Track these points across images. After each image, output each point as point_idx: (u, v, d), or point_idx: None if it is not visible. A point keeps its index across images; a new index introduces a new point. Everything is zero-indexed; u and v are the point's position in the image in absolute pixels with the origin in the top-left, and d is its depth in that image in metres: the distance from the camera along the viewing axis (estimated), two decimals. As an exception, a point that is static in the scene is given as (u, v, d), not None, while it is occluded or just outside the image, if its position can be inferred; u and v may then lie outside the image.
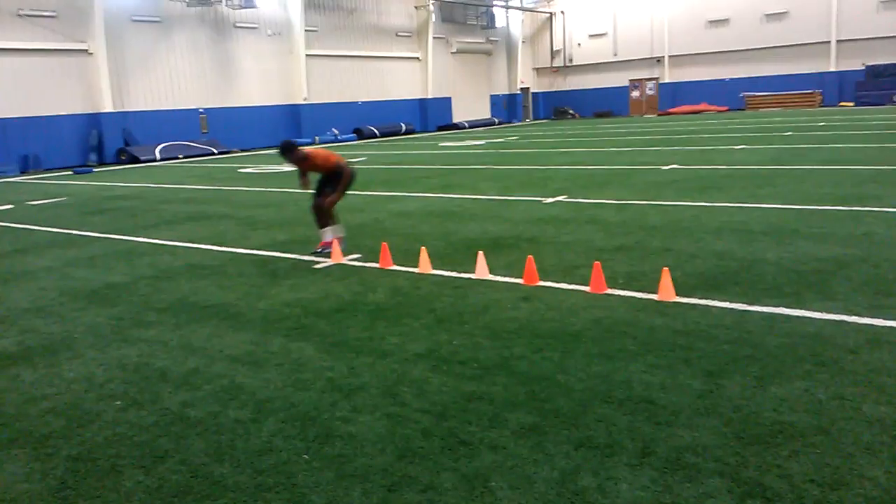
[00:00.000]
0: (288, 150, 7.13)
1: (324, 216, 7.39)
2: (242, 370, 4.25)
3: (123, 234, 9.48)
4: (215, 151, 26.77)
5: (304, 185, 7.51)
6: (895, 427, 3.11)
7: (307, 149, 7.38)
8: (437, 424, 3.38)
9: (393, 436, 3.29)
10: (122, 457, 3.25)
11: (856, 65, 35.33)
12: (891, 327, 4.32)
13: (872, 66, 34.58)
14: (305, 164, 7.29)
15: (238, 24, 28.98)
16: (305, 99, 31.23)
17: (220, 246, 8.27)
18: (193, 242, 8.58)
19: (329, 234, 7.40)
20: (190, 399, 3.86)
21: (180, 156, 25.62)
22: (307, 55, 31.00)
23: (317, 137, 31.24)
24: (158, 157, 24.98)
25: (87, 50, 24.01)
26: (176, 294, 6.15)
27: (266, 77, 30.30)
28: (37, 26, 23.03)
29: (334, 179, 7.31)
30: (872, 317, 4.51)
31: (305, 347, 4.57)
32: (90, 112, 24.46)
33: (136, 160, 24.33)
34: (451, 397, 3.68)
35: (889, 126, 20.57)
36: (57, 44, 23.50)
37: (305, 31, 30.80)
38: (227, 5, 27.89)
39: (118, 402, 3.88)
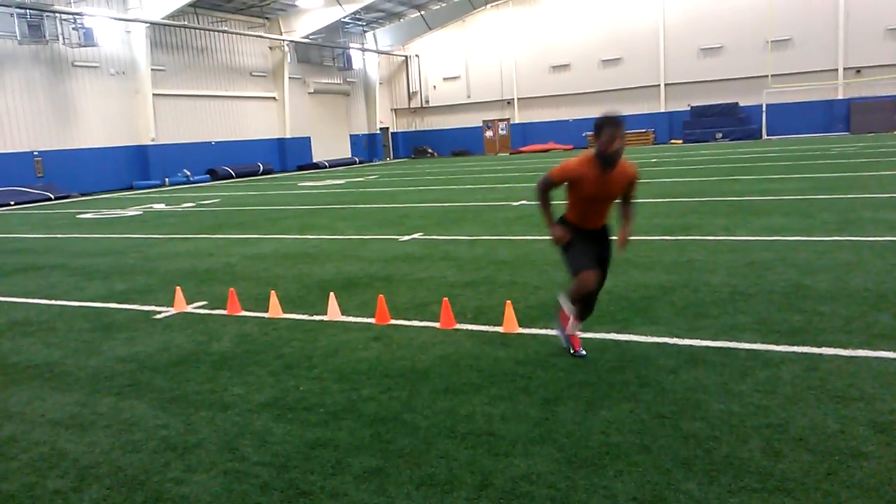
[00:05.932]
0: (619, 124, 4.34)
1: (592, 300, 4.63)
2: (66, 434, 3.91)
3: (-65, 292, 8.52)
4: (52, 197, 24.82)
5: (562, 235, 4.49)
6: (707, 441, 3.38)
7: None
8: (277, 477, 3.27)
9: (229, 494, 3.15)
10: (-89, 546, 2.88)
11: (682, 106, 39.05)
12: (707, 346, 4.73)
13: (696, 106, 38.37)
14: (612, 177, 4.49)
15: (77, 63, 27.27)
16: (153, 139, 29.79)
17: (50, 299, 7.63)
18: (19, 297, 7.86)
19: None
20: (3, 471, 3.50)
21: (12, 202, 23.50)
22: (154, 94, 29.70)
23: (167, 179, 29.84)
24: (-16, 204, 22.80)
25: None
26: (-7, 356, 5.59)
27: (109, 117, 28.63)
28: None
29: (605, 216, 4.63)
30: (691, 338, 4.91)
31: (138, 405, 4.29)
32: None
33: (-43, 208, 22.07)
34: (295, 447, 3.59)
35: (712, 161, 22.74)
36: None
37: (152, 70, 29.53)
38: (64, 44, 26.23)
39: (-87, 484, 3.44)
